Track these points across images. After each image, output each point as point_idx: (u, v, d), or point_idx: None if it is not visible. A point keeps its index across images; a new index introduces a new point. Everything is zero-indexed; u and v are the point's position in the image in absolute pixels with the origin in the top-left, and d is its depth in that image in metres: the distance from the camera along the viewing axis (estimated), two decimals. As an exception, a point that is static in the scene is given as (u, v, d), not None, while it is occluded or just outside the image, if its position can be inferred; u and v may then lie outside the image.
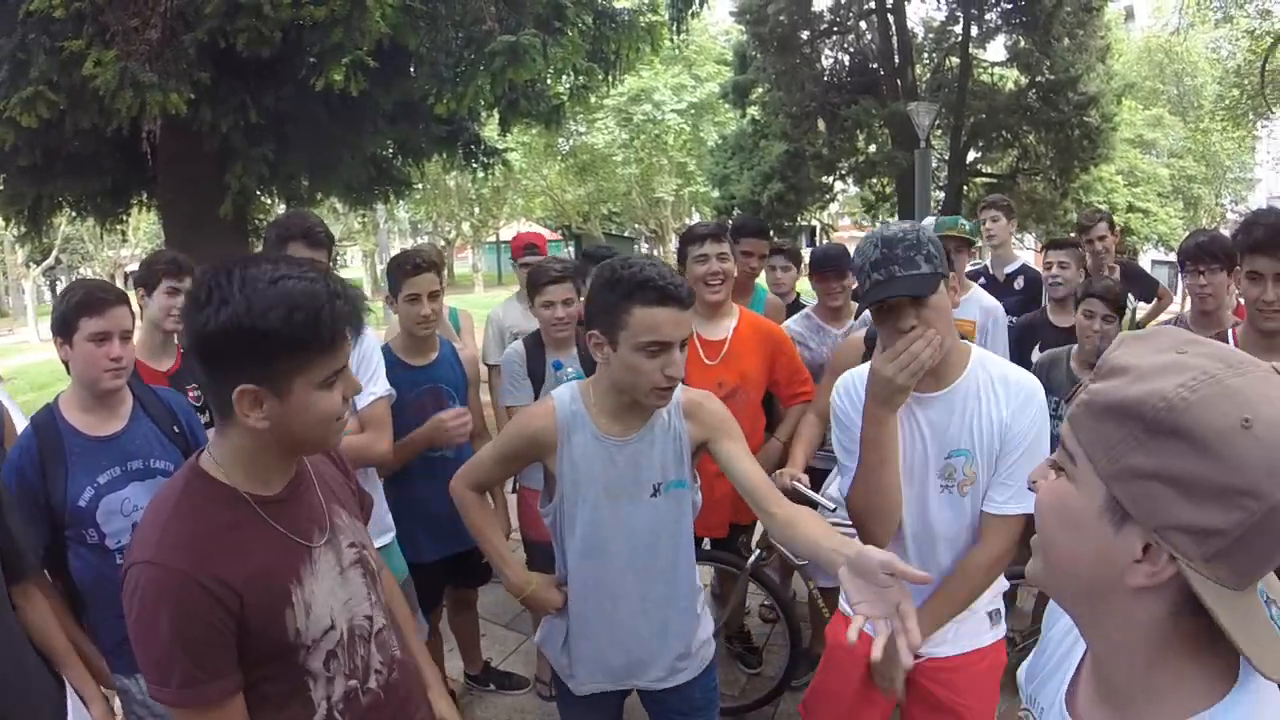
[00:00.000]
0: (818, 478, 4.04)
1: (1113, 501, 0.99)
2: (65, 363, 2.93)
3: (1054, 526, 1.09)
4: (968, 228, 4.87)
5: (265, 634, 1.70)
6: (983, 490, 2.45)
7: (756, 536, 4.14)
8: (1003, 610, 2.69)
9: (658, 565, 2.55)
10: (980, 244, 6.03)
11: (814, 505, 3.89)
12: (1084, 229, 5.82)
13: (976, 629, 2.62)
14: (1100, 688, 1.16)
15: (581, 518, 2.50)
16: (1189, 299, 4.11)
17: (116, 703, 2.88)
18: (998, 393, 2.43)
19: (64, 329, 2.85)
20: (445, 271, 4.34)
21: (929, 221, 5.37)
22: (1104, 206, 25.92)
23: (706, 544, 4.25)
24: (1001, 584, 2.65)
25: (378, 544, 3.26)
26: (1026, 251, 26.35)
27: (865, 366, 2.56)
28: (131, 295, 3.18)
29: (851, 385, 2.60)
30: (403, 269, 3.71)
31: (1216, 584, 0.94)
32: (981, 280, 5.58)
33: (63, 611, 2.80)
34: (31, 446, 2.81)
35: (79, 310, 2.83)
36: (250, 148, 7.71)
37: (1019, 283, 5.83)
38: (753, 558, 4.04)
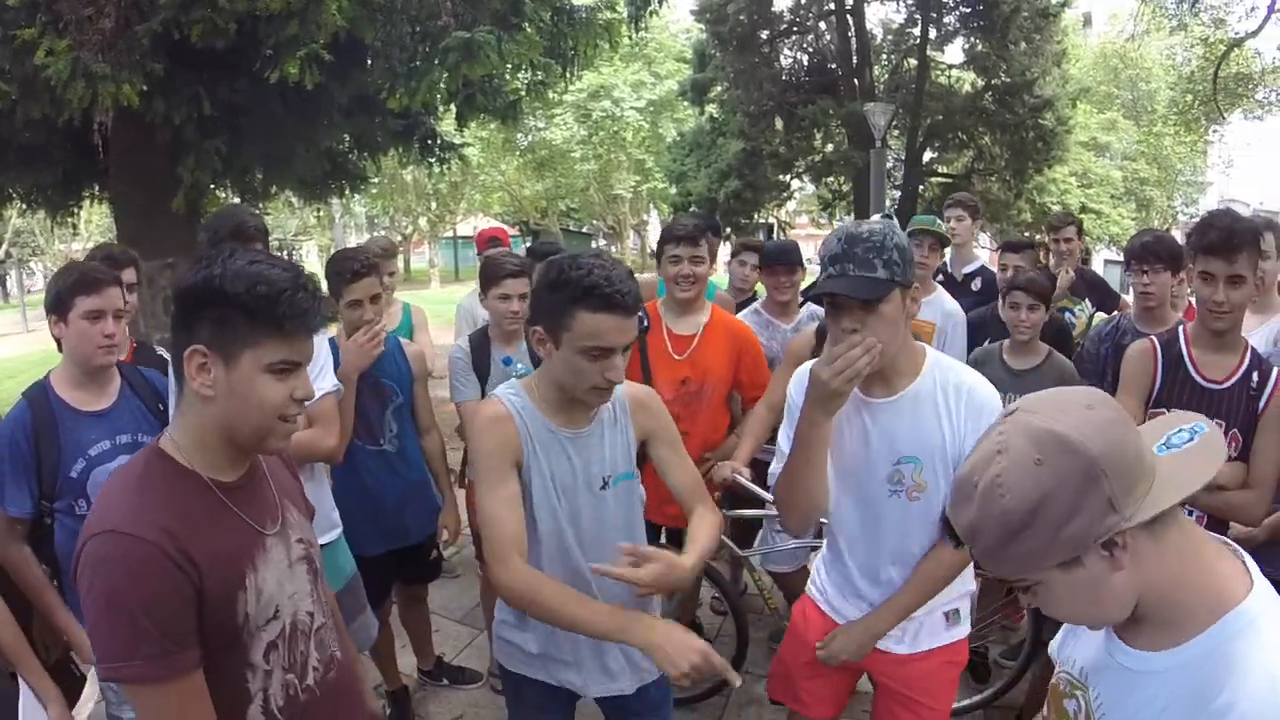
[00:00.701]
0: (765, 470, 4.08)
1: (1061, 565, 1.30)
2: (58, 340, 3.02)
3: (1074, 604, 1.36)
4: (943, 227, 4.92)
5: (217, 615, 1.71)
6: (938, 500, 2.47)
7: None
8: (961, 611, 2.73)
9: (611, 557, 2.46)
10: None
11: (755, 498, 3.95)
12: (1054, 229, 5.87)
13: (934, 628, 2.68)
14: (1144, 624, 1.38)
15: (544, 516, 2.47)
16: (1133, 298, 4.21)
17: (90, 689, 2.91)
18: (950, 403, 2.46)
19: (59, 307, 2.96)
20: (397, 259, 4.32)
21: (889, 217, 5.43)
22: (1057, 207, 26.35)
23: (663, 536, 4.27)
24: (962, 586, 2.70)
25: (325, 539, 3.30)
26: (983, 250, 26.68)
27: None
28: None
29: (805, 379, 2.61)
30: (342, 276, 3.67)
31: (1146, 515, 1.26)
32: (939, 277, 5.65)
33: (44, 589, 2.93)
34: (25, 418, 2.94)
35: (75, 289, 2.95)
36: (203, 140, 7.61)
37: (976, 284, 5.88)
38: None
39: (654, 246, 4.23)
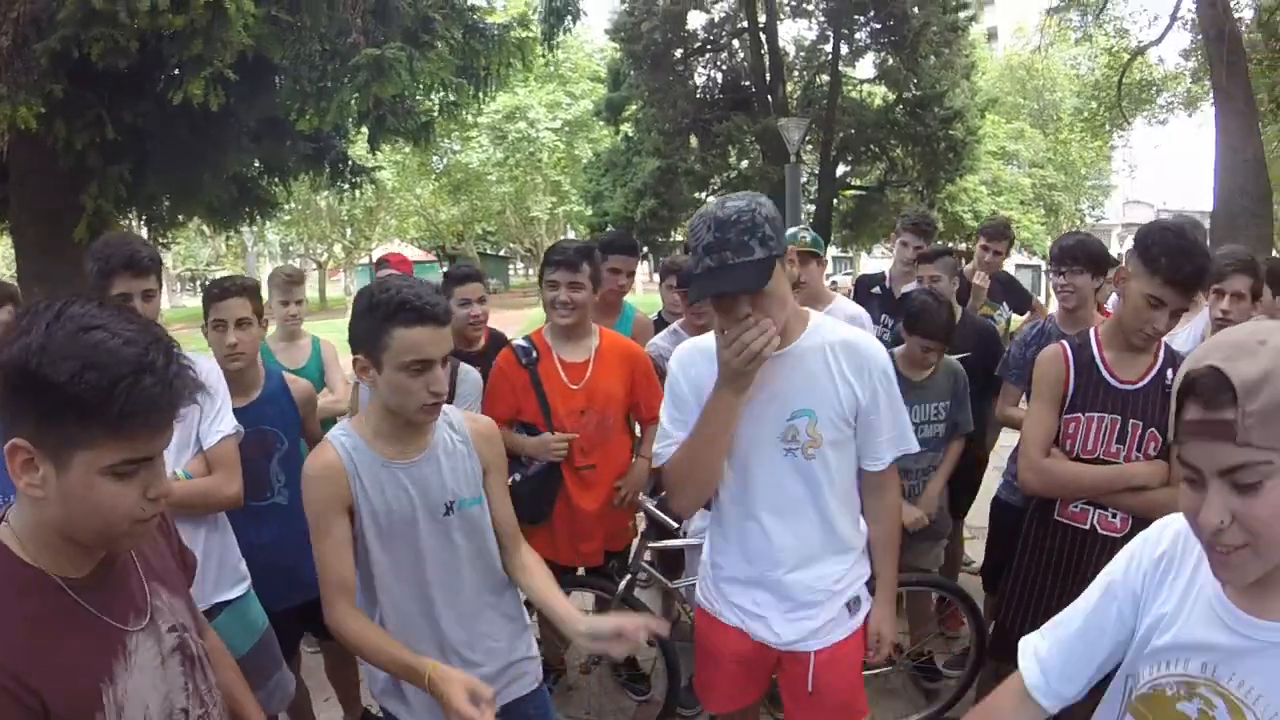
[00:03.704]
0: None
1: None
2: None
3: None
4: (809, 240, 4.83)
5: None
6: (834, 457, 2.50)
7: (631, 559, 4.08)
8: (862, 597, 2.73)
9: (464, 583, 2.55)
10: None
11: (664, 527, 3.88)
12: (992, 238, 5.76)
13: (840, 620, 2.67)
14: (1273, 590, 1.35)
15: (382, 551, 2.45)
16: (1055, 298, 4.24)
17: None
18: (839, 355, 2.46)
19: None
20: (304, 289, 4.14)
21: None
22: (969, 215, 26.93)
23: (581, 572, 4.19)
24: (861, 571, 2.72)
25: (233, 594, 3.11)
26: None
27: (703, 338, 2.62)
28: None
29: (686, 355, 2.63)
30: (209, 293, 3.47)
31: None
32: (877, 289, 5.68)
33: None
34: None
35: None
36: (107, 166, 7.38)
37: None
38: (623, 583, 3.98)
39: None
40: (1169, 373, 3.00)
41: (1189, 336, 3.92)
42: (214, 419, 3.02)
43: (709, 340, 2.56)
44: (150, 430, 1.42)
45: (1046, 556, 3.13)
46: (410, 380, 2.27)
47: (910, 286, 5.48)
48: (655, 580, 4.29)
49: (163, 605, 1.67)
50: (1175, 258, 2.79)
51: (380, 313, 2.25)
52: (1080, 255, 4.02)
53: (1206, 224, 15.20)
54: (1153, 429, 2.99)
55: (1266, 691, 1.36)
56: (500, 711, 2.48)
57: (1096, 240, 4.22)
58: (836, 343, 2.47)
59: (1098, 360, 3.04)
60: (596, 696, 4.51)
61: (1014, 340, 4.50)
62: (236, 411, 3.31)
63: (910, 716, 4.24)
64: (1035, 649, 1.70)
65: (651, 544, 4.04)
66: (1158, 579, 1.55)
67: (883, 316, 5.26)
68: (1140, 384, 3.03)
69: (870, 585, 2.79)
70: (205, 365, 2.87)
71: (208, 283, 3.65)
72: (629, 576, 4.01)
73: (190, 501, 2.92)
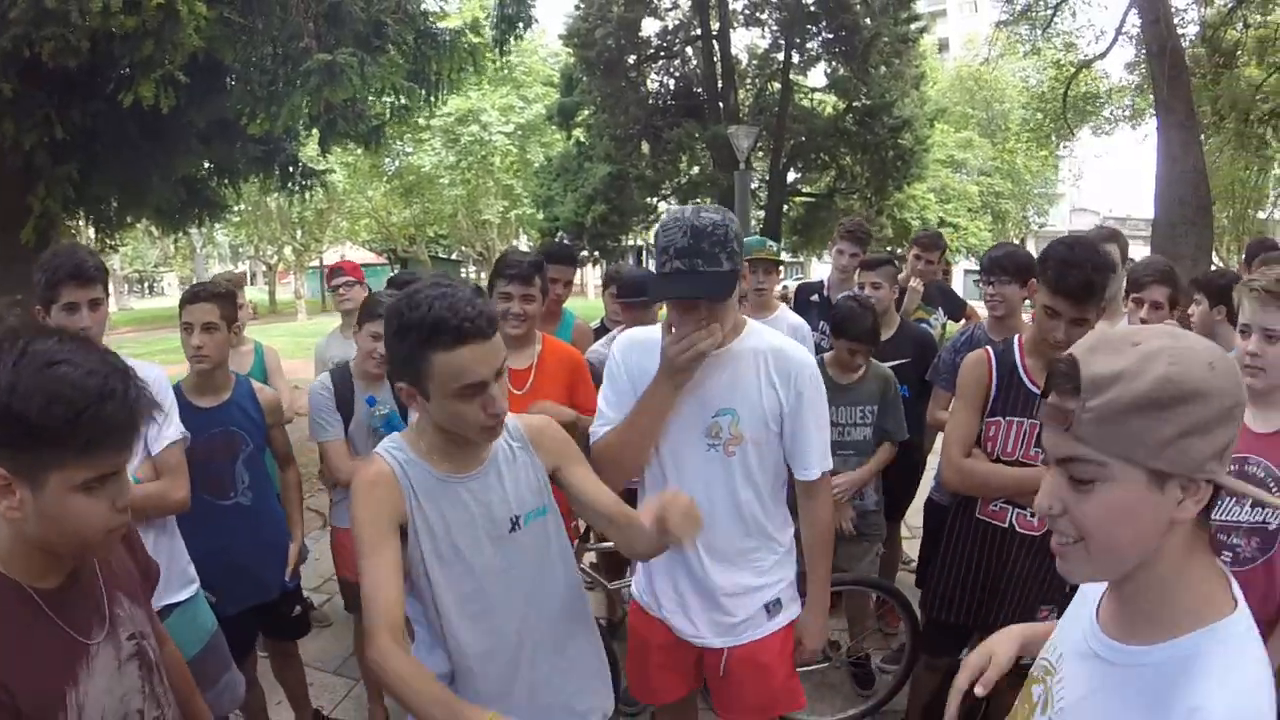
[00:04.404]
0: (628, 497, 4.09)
1: (1153, 474, 1.22)
2: None
3: (1113, 526, 1.27)
4: (775, 249, 4.94)
5: None
6: (755, 456, 2.62)
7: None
8: (784, 600, 2.82)
9: (544, 605, 2.33)
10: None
11: None
12: (926, 248, 5.91)
13: (757, 621, 2.77)
14: (1126, 610, 1.35)
15: (441, 570, 2.20)
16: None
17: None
18: (769, 361, 2.59)
19: None
20: (241, 296, 4.16)
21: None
22: (918, 222, 27.22)
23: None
24: (783, 574, 2.81)
25: (181, 596, 3.17)
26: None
27: (643, 330, 2.78)
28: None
29: (628, 344, 2.76)
30: (184, 295, 3.63)
31: (1223, 480, 1.24)
32: (815, 296, 5.76)
33: None
34: None
35: None
36: (55, 166, 7.35)
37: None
38: None
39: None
40: None
41: None
42: (161, 426, 3.07)
43: (649, 333, 2.71)
44: (115, 449, 1.56)
45: (968, 553, 3.24)
46: (463, 405, 2.04)
47: (846, 293, 5.63)
48: (596, 582, 4.36)
49: (123, 614, 1.79)
50: (1061, 269, 2.93)
51: (414, 336, 1.99)
52: (1009, 266, 4.15)
53: (1148, 232, 15.53)
54: None
55: (1068, 694, 1.42)
56: None
57: (1025, 252, 4.36)
58: (768, 349, 2.60)
59: (1019, 367, 3.14)
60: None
61: (944, 346, 4.62)
62: (206, 412, 3.52)
63: (847, 711, 4.34)
64: None
65: (589, 546, 4.11)
66: None
67: (820, 324, 5.36)
68: None
69: (801, 588, 2.88)
70: (154, 374, 2.97)
71: (186, 284, 3.77)
72: None
73: (140, 506, 2.93)
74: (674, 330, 2.48)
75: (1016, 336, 3.29)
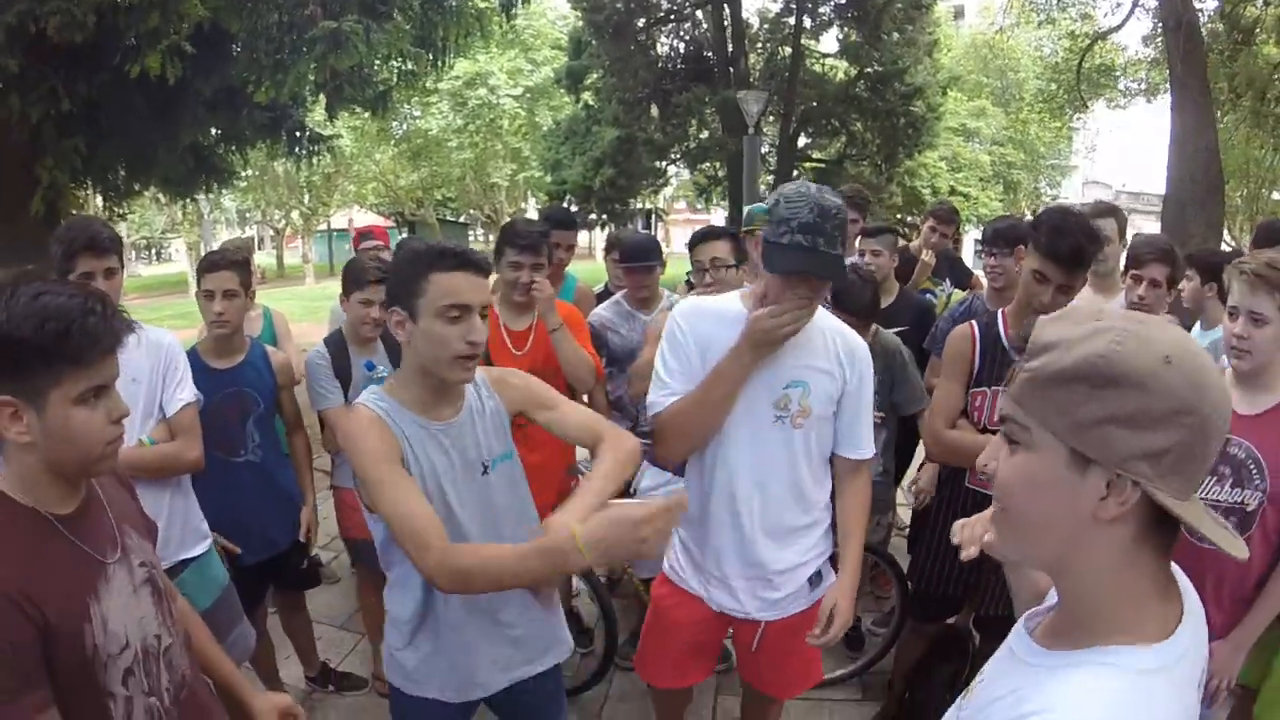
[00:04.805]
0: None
1: (1074, 455, 1.14)
2: None
3: (1024, 495, 1.21)
4: None
5: (64, 649, 1.71)
6: (816, 433, 2.69)
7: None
8: (824, 572, 2.87)
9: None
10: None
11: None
12: (941, 221, 5.88)
13: (799, 594, 2.82)
14: (1063, 623, 1.27)
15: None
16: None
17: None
18: (837, 341, 2.69)
19: None
20: (250, 264, 4.21)
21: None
22: (928, 190, 27.08)
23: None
24: (824, 547, 2.87)
25: (195, 552, 3.29)
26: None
27: (708, 300, 2.84)
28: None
29: (693, 312, 2.76)
30: (202, 263, 3.77)
31: (1174, 497, 1.11)
32: None
33: None
34: None
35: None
36: (62, 138, 7.40)
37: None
38: None
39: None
40: None
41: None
42: (175, 388, 3.22)
43: (718, 302, 2.78)
44: (102, 355, 1.75)
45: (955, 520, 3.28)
46: (446, 328, 2.20)
47: (849, 261, 5.64)
48: None
49: (133, 544, 1.95)
50: (1053, 235, 2.97)
51: (421, 260, 2.23)
52: (1010, 237, 4.16)
53: (1160, 209, 15.43)
54: None
55: (983, 686, 1.35)
56: (533, 679, 2.59)
57: (1019, 224, 4.39)
58: (834, 330, 2.71)
59: (1003, 338, 3.18)
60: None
61: (943, 315, 4.65)
62: (221, 373, 3.70)
63: (835, 671, 4.40)
64: None
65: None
66: None
67: None
68: None
69: (833, 561, 2.91)
70: (166, 339, 3.21)
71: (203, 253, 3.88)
72: None
73: (156, 465, 3.12)
74: (773, 303, 2.49)
75: (1001, 309, 3.33)
